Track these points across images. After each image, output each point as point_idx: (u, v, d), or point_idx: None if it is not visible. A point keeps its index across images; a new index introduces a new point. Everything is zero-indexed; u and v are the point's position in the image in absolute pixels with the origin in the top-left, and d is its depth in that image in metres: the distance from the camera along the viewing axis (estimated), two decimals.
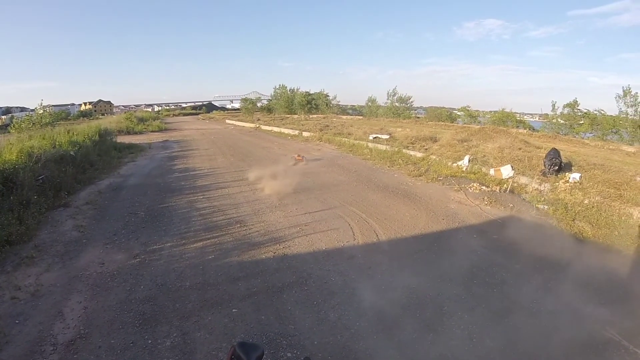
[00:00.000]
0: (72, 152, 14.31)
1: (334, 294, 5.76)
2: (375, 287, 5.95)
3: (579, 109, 31.05)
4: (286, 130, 32.00)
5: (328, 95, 61.47)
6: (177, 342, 4.63)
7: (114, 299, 5.61)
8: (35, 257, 6.98)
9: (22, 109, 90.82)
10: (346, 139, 23.46)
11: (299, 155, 18.48)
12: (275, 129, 34.30)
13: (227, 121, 54.08)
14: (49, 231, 8.35)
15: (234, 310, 5.32)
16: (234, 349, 1.97)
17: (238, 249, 7.37)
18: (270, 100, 71.40)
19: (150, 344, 4.60)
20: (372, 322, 5.03)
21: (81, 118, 71.57)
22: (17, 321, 5.05)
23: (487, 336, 4.74)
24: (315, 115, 53.01)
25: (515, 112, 37.54)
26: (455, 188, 11.88)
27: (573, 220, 8.93)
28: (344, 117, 51.47)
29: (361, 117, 51.70)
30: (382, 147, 19.48)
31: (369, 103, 56.57)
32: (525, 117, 42.18)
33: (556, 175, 11.72)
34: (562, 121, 32.02)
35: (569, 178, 11.21)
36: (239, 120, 51.14)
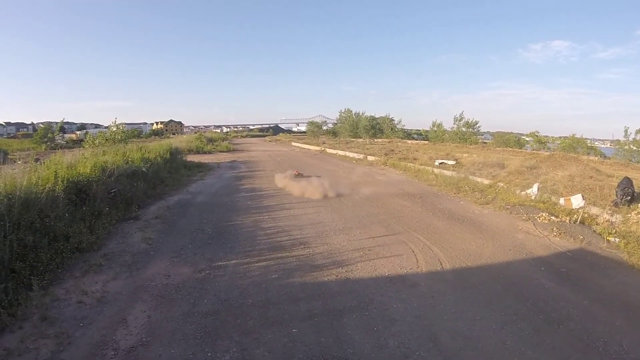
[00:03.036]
0: (143, 169, 15.07)
1: (394, 320, 5.59)
2: (438, 317, 5.72)
3: None
4: (351, 154, 32.14)
5: (393, 120, 61.57)
6: (235, 357, 4.67)
7: (178, 311, 5.79)
8: (103, 265, 7.39)
9: (97, 126, 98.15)
10: (411, 164, 23.12)
11: (296, 171, 19.83)
12: (340, 153, 34.62)
13: (293, 144, 55.47)
14: (118, 242, 8.83)
15: (294, 330, 5.30)
16: None
17: (301, 270, 7.39)
18: (336, 124, 72.75)
19: (209, 357, 4.67)
20: (432, 352, 4.82)
21: (152, 136, 75.90)
22: (81, 324, 5.34)
23: None
24: (380, 140, 53.02)
25: (585, 138, 35.87)
26: (524, 217, 11.28)
27: None
28: (409, 141, 51.08)
29: (427, 141, 50.92)
30: (448, 173, 18.91)
31: (435, 128, 55.59)
32: (595, 143, 40.40)
33: (629, 205, 10.93)
34: (634, 148, 30.00)
35: None
36: (304, 142, 52.28)
